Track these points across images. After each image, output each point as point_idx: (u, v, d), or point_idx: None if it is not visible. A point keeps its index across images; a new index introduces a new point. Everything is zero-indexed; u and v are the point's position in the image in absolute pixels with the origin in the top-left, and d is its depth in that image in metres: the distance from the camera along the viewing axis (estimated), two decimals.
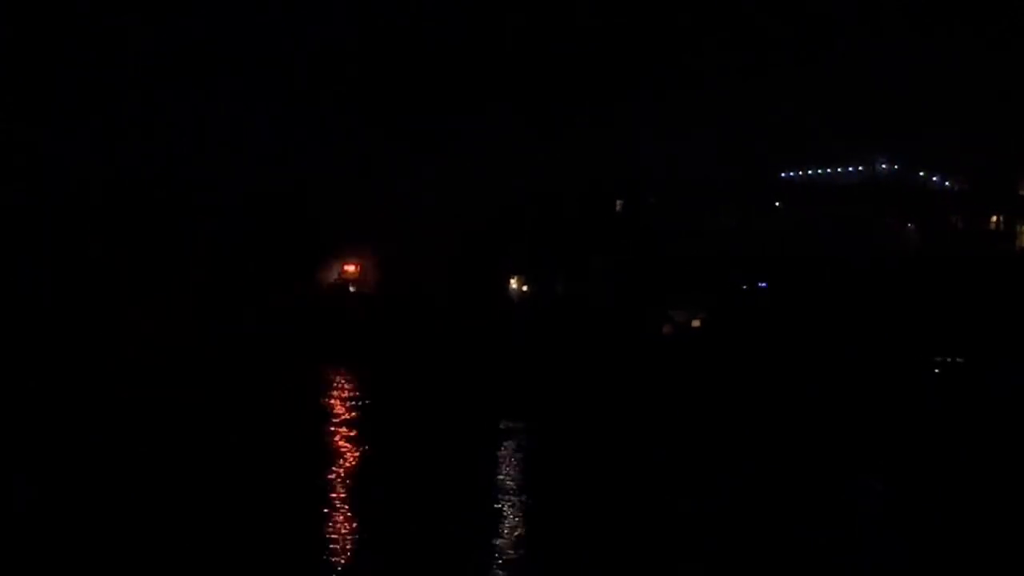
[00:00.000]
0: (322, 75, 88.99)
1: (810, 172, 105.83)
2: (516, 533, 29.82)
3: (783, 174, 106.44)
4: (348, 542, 28.18)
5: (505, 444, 43.10)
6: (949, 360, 71.15)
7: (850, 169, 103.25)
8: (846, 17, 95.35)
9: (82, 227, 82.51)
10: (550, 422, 48.96)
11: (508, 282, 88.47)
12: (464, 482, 35.86)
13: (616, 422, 49.22)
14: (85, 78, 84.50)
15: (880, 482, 39.13)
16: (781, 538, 30.24)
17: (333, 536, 28.48)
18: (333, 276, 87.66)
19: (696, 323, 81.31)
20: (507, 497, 33.66)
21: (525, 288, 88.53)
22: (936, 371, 69.95)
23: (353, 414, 50.86)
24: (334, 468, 37.81)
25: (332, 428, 46.37)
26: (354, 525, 29.95)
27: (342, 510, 31.59)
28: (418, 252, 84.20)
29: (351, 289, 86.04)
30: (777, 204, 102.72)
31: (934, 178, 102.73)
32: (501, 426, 46.63)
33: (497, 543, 28.04)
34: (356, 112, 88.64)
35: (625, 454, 41.77)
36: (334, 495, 33.34)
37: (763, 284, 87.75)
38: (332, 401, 56.52)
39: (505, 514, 31.58)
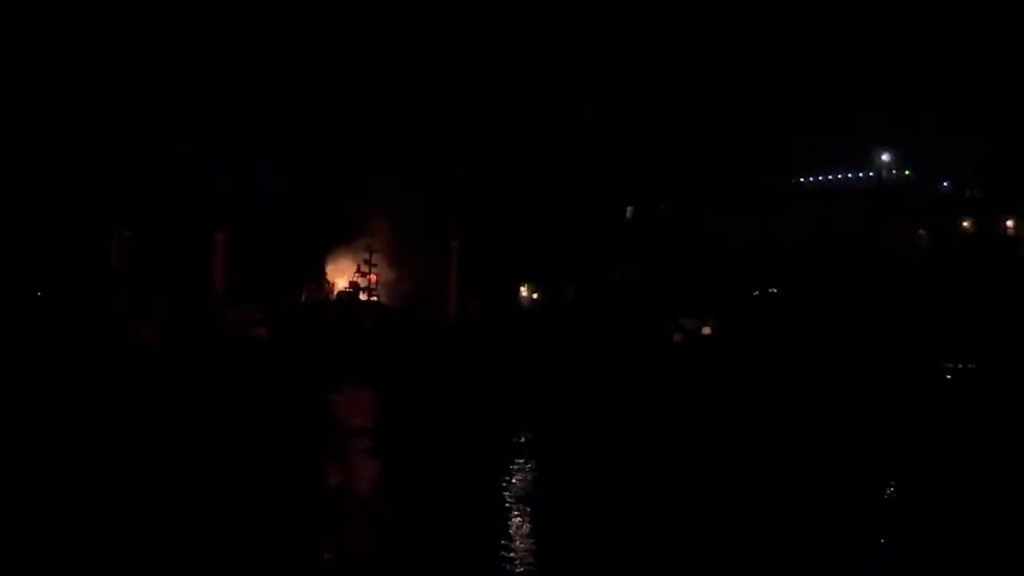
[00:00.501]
0: (330, 81, 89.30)
1: (822, 177, 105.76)
2: (527, 539, 29.85)
3: (795, 179, 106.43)
4: (357, 548, 28.34)
5: (518, 452, 43.05)
6: (960, 366, 70.94)
7: (861, 175, 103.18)
8: (863, 24, 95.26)
9: (88, 234, 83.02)
10: (560, 433, 48.90)
11: (518, 290, 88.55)
12: (480, 489, 35.86)
13: (626, 432, 49.16)
14: (86, 85, 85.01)
15: (885, 484, 39.11)
16: (785, 539, 30.34)
17: (342, 542, 28.65)
18: (344, 284, 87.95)
19: (706, 330, 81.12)
20: (521, 505, 33.69)
21: (535, 296, 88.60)
22: (948, 376, 69.74)
23: (364, 421, 50.97)
24: (344, 475, 37.95)
25: (343, 436, 46.44)
26: (363, 531, 30.13)
27: (354, 516, 31.73)
28: (428, 260, 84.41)
29: (361, 297, 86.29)
30: (789, 209, 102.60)
31: (946, 184, 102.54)
32: (514, 436, 46.55)
33: (502, 552, 28.07)
34: (364, 120, 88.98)
35: (635, 463, 41.70)
36: (346, 502, 33.49)
37: (774, 289, 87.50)
38: (343, 408, 56.69)
39: (517, 522, 31.63)
